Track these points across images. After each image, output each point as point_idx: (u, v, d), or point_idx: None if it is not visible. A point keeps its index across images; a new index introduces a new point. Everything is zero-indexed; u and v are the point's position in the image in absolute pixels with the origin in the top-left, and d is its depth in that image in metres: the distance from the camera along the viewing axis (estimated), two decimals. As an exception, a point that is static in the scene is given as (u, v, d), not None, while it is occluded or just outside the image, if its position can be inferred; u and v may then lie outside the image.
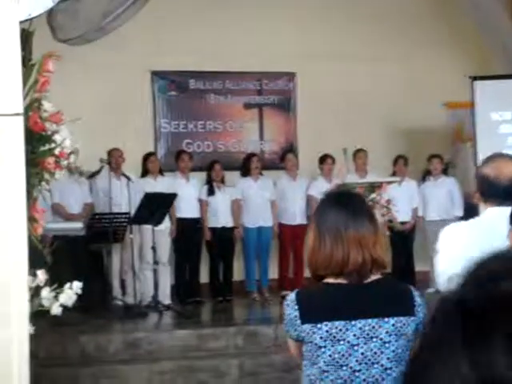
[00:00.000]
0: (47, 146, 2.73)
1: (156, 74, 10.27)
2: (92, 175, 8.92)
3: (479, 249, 2.75)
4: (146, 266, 8.82)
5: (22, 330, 2.51)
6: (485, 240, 2.81)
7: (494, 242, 2.79)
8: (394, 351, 2.43)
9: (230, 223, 9.42)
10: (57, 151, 2.74)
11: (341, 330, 2.42)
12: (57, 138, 2.75)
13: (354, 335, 2.42)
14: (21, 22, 2.68)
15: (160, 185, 9.07)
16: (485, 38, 10.25)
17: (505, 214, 2.85)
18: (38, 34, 2.90)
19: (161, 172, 9.25)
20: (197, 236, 9.31)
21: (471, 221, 2.96)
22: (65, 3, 2.77)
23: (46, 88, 2.77)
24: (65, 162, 2.78)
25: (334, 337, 2.41)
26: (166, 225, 8.93)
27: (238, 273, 9.67)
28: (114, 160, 8.77)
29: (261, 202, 9.55)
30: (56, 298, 3.15)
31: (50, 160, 2.74)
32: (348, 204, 2.54)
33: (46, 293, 3.08)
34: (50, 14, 2.91)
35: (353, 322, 2.43)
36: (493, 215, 2.89)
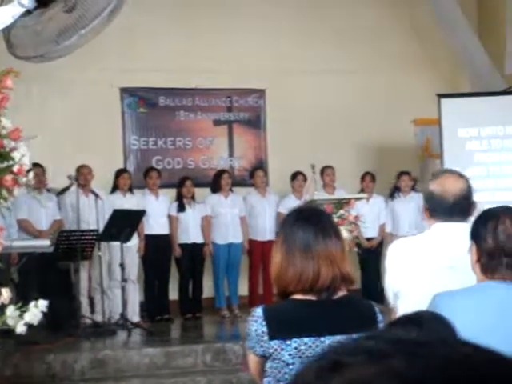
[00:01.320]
0: (5, 164, 2.71)
1: (125, 91, 10.26)
2: (61, 192, 8.86)
3: (424, 264, 2.80)
4: (115, 284, 8.76)
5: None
6: (430, 256, 2.84)
7: (439, 258, 2.83)
8: None
9: (200, 240, 9.40)
10: (15, 168, 2.72)
11: (310, 346, 2.41)
12: (15, 155, 2.73)
13: None
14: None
15: (129, 202, 9.03)
16: (453, 56, 10.37)
17: (451, 230, 2.88)
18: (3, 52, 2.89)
19: (130, 189, 9.22)
20: (166, 253, 9.28)
21: (418, 236, 2.99)
22: (24, 20, 2.76)
23: (5, 105, 2.75)
24: (23, 180, 2.76)
25: (303, 353, 2.40)
26: (135, 242, 8.89)
27: (207, 290, 9.63)
28: (82, 177, 8.72)
29: (231, 219, 9.55)
30: (21, 316, 3.12)
31: (8, 177, 2.72)
32: (316, 220, 2.53)
33: (10, 311, 3.05)
34: (9, 29, 2.90)
35: (321, 339, 2.42)
36: (439, 231, 2.90)
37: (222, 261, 9.53)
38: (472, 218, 2.91)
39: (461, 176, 2.99)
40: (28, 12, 2.89)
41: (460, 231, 2.87)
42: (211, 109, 10.61)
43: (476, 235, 2.48)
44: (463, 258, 2.76)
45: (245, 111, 10.74)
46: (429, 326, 1.75)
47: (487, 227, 2.44)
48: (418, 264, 2.84)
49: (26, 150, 2.77)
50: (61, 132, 9.60)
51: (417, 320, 1.81)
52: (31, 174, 2.79)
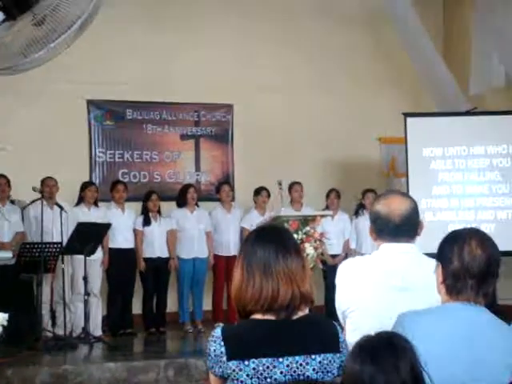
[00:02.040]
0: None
1: (92, 103, 10.21)
2: (26, 206, 8.77)
3: (373, 284, 2.82)
4: (77, 297, 8.68)
5: None
6: (379, 276, 2.87)
7: (386, 277, 2.86)
8: None
9: (165, 254, 9.37)
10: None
11: (268, 367, 2.39)
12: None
13: (281, 372, 2.39)
14: None
15: (94, 214, 8.97)
16: (419, 76, 10.50)
17: (396, 251, 2.91)
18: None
19: (95, 202, 9.15)
20: (130, 267, 9.22)
21: (366, 256, 3.00)
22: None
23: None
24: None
25: (261, 374, 2.38)
26: (99, 255, 8.83)
27: (171, 304, 9.59)
28: (47, 189, 8.64)
29: (196, 233, 9.53)
30: (-20, 329, 3.07)
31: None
32: (276, 239, 2.52)
33: (-32, 324, 3.00)
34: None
35: (280, 359, 2.40)
36: (386, 251, 2.92)
37: (187, 275, 9.50)
38: (418, 238, 2.95)
39: (406, 196, 3.02)
40: (-4, 24, 2.88)
41: (407, 252, 2.91)
42: (179, 123, 10.60)
43: (442, 256, 2.50)
44: (414, 279, 2.79)
45: (212, 126, 10.75)
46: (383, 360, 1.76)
47: (453, 249, 2.46)
48: (366, 284, 2.87)
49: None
50: (26, 143, 9.52)
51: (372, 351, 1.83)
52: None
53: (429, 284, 2.57)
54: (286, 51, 10.69)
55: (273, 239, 2.52)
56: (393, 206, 2.91)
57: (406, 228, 2.89)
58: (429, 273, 2.57)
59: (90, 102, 10.19)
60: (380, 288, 2.83)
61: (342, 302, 2.93)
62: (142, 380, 7.19)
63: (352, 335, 2.69)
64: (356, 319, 2.84)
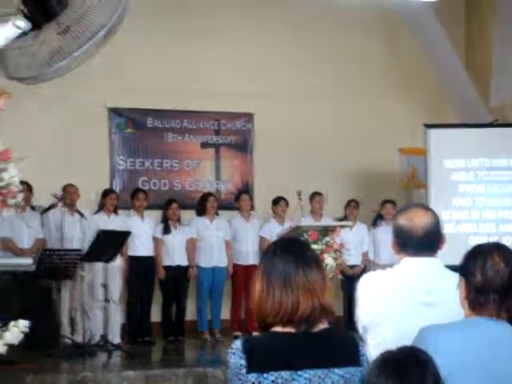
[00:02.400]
0: (-6, 185, 2.70)
1: (113, 111, 10.26)
2: (45, 210, 8.82)
3: (395, 300, 2.79)
4: (96, 304, 8.70)
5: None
6: (401, 291, 2.85)
7: (408, 292, 2.83)
8: None
9: (184, 262, 9.38)
10: (4, 190, 2.71)
11: (287, 380, 2.36)
12: (4, 176, 2.72)
13: None
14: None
15: (114, 222, 9.01)
16: (441, 86, 10.46)
17: (419, 265, 2.89)
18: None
19: (115, 210, 9.18)
20: (150, 274, 9.24)
21: (388, 270, 2.97)
22: (19, 41, 2.76)
23: (-4, 125, 2.75)
24: (12, 201, 2.75)
25: None
26: (118, 263, 8.85)
27: (190, 313, 9.59)
28: (69, 196, 8.70)
29: (216, 242, 9.53)
30: (1, 336, 3.09)
31: (-4, 198, 2.71)
32: (296, 251, 2.52)
33: (-10, 331, 3.02)
34: (5, 51, 2.91)
35: (299, 372, 2.37)
36: (408, 265, 2.90)
37: (206, 284, 9.50)
38: (440, 252, 2.93)
39: (428, 210, 2.99)
40: (24, 33, 2.90)
41: (431, 266, 2.88)
42: (199, 131, 10.63)
43: (465, 271, 2.48)
44: (439, 294, 2.77)
45: (232, 135, 10.76)
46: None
47: (476, 263, 2.45)
48: (388, 299, 2.85)
49: (15, 172, 2.76)
50: (48, 150, 9.57)
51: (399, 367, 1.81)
52: (21, 196, 2.78)
53: (452, 299, 2.55)
54: (307, 61, 10.69)
55: (293, 251, 2.52)
56: (415, 220, 2.89)
57: (428, 242, 2.87)
58: (452, 287, 2.56)
59: (111, 110, 10.24)
60: (403, 303, 2.81)
61: (364, 316, 2.91)
62: (161, 389, 7.19)
63: (373, 350, 2.67)
64: (378, 334, 2.82)
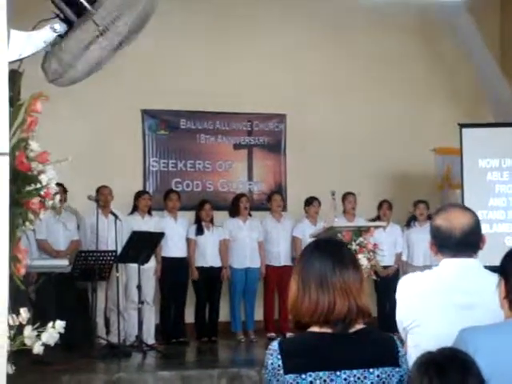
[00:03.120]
0: (32, 186, 2.72)
1: (147, 113, 10.32)
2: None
3: (435, 301, 2.76)
4: (131, 305, 8.76)
5: (-1, 370, 2.48)
6: (439, 292, 2.81)
7: (447, 293, 2.80)
8: None
9: (217, 263, 9.40)
10: (42, 191, 2.72)
11: (325, 380, 2.37)
12: (42, 178, 2.74)
13: None
14: (10, 63, 2.69)
15: (147, 223, 9.06)
16: (475, 85, 10.37)
17: (458, 266, 2.85)
18: (28, 73, 2.91)
19: (149, 211, 9.23)
20: (183, 275, 9.27)
21: (427, 271, 2.94)
22: (57, 48, 2.79)
23: (34, 128, 2.77)
24: (50, 203, 2.76)
25: None
26: (152, 264, 8.90)
27: (223, 313, 9.61)
28: (102, 197, 8.76)
29: (249, 243, 9.54)
30: (38, 336, 3.12)
31: (35, 200, 2.72)
32: (333, 252, 2.52)
33: (28, 331, 3.05)
34: (45, 58, 2.95)
35: (337, 373, 2.38)
36: (447, 267, 2.87)
37: (239, 285, 9.51)
38: (482, 251, 2.89)
39: (467, 209, 2.95)
40: (60, 36, 2.92)
41: (470, 267, 2.85)
42: (232, 133, 10.65)
43: (505, 271, 2.45)
44: (478, 295, 2.74)
45: (265, 136, 10.77)
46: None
47: None
48: (428, 300, 2.82)
49: (53, 174, 2.78)
50: (81, 152, 9.62)
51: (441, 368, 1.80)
52: (58, 198, 2.80)
53: (492, 300, 2.52)
54: (340, 62, 10.66)
55: (330, 252, 2.52)
56: (454, 221, 2.85)
57: (467, 242, 2.84)
58: (491, 288, 2.53)
59: (144, 112, 10.30)
60: (443, 305, 2.78)
61: (403, 317, 2.89)
62: (196, 389, 7.22)
63: (413, 351, 2.66)
64: (417, 335, 2.80)
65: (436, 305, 2.79)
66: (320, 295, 2.43)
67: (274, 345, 2.45)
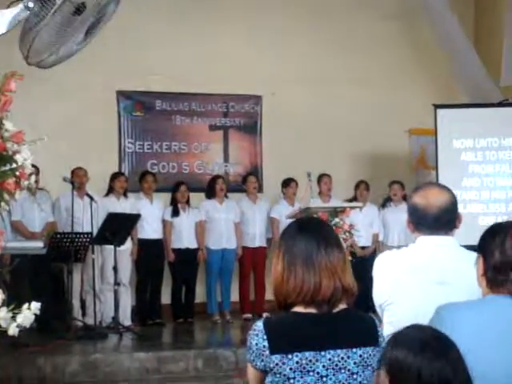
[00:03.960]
0: (8, 167, 2.71)
1: (122, 94, 10.25)
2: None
3: (411, 278, 2.78)
4: (107, 287, 8.75)
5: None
6: (417, 270, 2.84)
7: (424, 271, 2.83)
8: (360, 382, 2.41)
9: (193, 244, 9.40)
10: (17, 172, 2.71)
11: (311, 360, 2.38)
12: (18, 158, 2.72)
13: (324, 366, 2.38)
14: (-16, 41, 2.67)
15: (123, 205, 9.03)
16: (450, 66, 10.41)
17: (434, 243, 2.87)
18: (2, 53, 2.88)
19: (124, 193, 9.19)
20: (159, 257, 9.27)
21: (403, 249, 2.96)
22: (37, 27, 2.76)
23: (8, 107, 2.75)
24: (25, 183, 2.75)
25: (304, 368, 2.37)
26: (128, 245, 8.88)
27: (199, 295, 9.62)
28: (77, 179, 8.70)
29: (225, 225, 9.54)
30: (13, 318, 3.11)
31: (10, 180, 2.71)
32: (318, 231, 2.51)
33: (3, 313, 3.03)
34: (23, 38, 2.91)
35: (322, 353, 2.39)
36: (424, 244, 2.89)
37: (215, 266, 9.53)
38: (456, 231, 2.92)
39: (444, 188, 2.97)
40: (36, 15, 2.90)
41: (446, 244, 2.87)
42: (207, 114, 10.61)
43: (483, 249, 2.47)
44: (453, 273, 2.77)
45: (241, 117, 10.74)
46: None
47: (495, 241, 2.43)
48: (403, 277, 2.84)
49: (28, 154, 2.76)
50: (56, 134, 9.55)
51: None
52: (33, 178, 2.78)
53: (468, 277, 2.54)
54: (315, 42, 10.65)
55: (315, 231, 2.50)
56: (431, 198, 2.87)
57: (444, 220, 2.86)
58: (468, 266, 2.55)
59: (119, 93, 10.23)
60: (418, 281, 2.80)
61: (380, 295, 2.91)
62: (172, 370, 7.23)
63: (388, 328, 2.68)
64: (393, 312, 2.82)
65: (412, 282, 2.82)
66: (306, 275, 2.42)
67: (259, 325, 2.43)
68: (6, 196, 2.69)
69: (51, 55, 2.82)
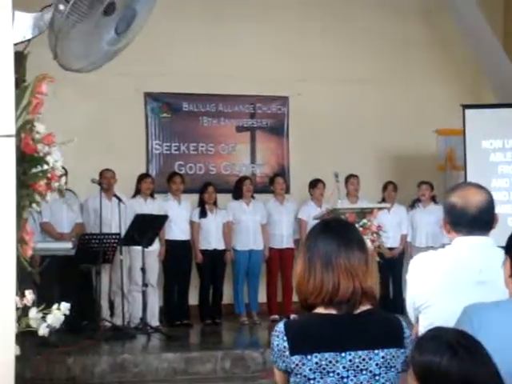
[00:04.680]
0: (39, 168, 2.73)
1: (149, 96, 10.30)
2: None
3: (449, 279, 2.74)
4: (135, 288, 8.79)
5: (7, 351, 2.50)
6: (455, 271, 2.80)
7: (462, 271, 2.79)
8: None
9: (221, 246, 9.41)
10: (48, 173, 2.74)
11: (330, 361, 2.38)
12: (49, 159, 2.75)
13: (344, 367, 2.38)
14: (15, 44, 2.69)
15: (150, 206, 9.07)
16: (478, 66, 10.33)
17: (472, 244, 2.83)
18: (33, 55, 2.91)
19: (151, 194, 9.23)
20: (187, 258, 9.29)
21: (440, 250, 2.91)
22: (69, 31, 2.78)
23: (39, 110, 2.77)
24: (56, 184, 2.78)
25: (324, 369, 2.37)
26: (156, 246, 8.91)
27: (227, 296, 9.64)
28: (105, 181, 8.76)
29: (252, 226, 9.55)
30: (43, 318, 3.13)
31: (42, 182, 2.73)
32: (339, 232, 2.50)
33: (33, 313, 3.06)
34: (55, 42, 2.94)
35: (343, 354, 2.38)
36: (461, 245, 2.85)
37: (242, 267, 9.53)
38: (492, 231, 2.87)
39: (482, 188, 2.92)
40: (67, 16, 2.92)
41: (484, 245, 2.83)
42: (234, 115, 10.63)
43: (510, 250, 2.45)
44: (492, 272, 2.73)
45: (268, 118, 10.75)
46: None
47: None
48: (443, 280, 2.80)
49: (59, 155, 2.79)
50: (84, 135, 9.61)
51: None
52: (64, 179, 2.81)
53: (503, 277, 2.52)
54: (343, 43, 10.62)
55: (336, 232, 2.50)
56: (469, 198, 2.83)
57: (482, 221, 2.82)
58: None
59: (147, 95, 10.28)
60: (457, 282, 2.76)
61: (417, 297, 2.86)
62: (200, 371, 7.25)
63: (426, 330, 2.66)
64: (431, 315, 2.78)
65: (450, 283, 2.77)
66: (325, 276, 2.42)
67: (280, 326, 2.44)
68: (37, 197, 2.72)
69: (87, 58, 2.84)
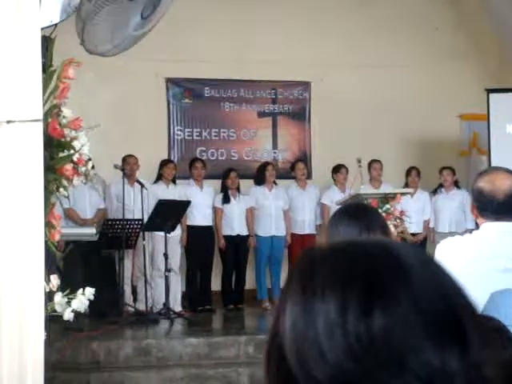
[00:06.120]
0: (66, 153, 2.73)
1: (171, 81, 10.30)
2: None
3: (476, 266, 2.69)
4: (158, 273, 8.81)
5: (37, 336, 2.51)
6: (483, 257, 2.76)
7: (489, 258, 2.74)
8: None
9: (244, 231, 9.41)
10: (75, 158, 2.74)
11: None
12: (75, 144, 2.75)
13: None
14: (42, 29, 2.68)
15: (172, 192, 9.07)
16: (502, 50, 10.22)
17: (501, 229, 2.79)
18: (59, 40, 2.90)
19: (173, 180, 9.24)
20: (209, 244, 9.30)
21: (467, 235, 2.87)
22: (95, 16, 2.77)
23: (66, 94, 2.77)
24: (82, 169, 2.78)
25: None
26: (178, 232, 8.93)
27: (249, 281, 9.65)
28: (128, 167, 8.77)
29: (274, 211, 9.54)
30: (68, 303, 3.15)
31: (68, 166, 2.74)
32: (361, 217, 2.49)
33: (58, 298, 3.08)
34: (82, 26, 2.93)
35: None
36: (489, 230, 2.80)
37: (265, 253, 9.53)
38: None
39: (510, 172, 2.85)
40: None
41: (511, 231, 2.79)
42: (256, 101, 10.60)
43: None
44: None
45: (289, 103, 10.71)
46: None
47: None
48: (469, 266, 2.76)
49: (85, 140, 2.79)
50: (106, 122, 9.63)
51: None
52: (90, 164, 2.81)
53: None
54: (364, 27, 10.53)
55: (357, 217, 2.49)
56: (497, 183, 2.77)
57: (510, 206, 2.76)
58: None
59: (168, 80, 10.28)
60: (483, 269, 2.72)
61: None
62: (223, 355, 7.26)
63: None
64: None
65: (478, 270, 2.73)
66: None
67: None
68: (64, 182, 2.72)
69: (112, 41, 2.83)
